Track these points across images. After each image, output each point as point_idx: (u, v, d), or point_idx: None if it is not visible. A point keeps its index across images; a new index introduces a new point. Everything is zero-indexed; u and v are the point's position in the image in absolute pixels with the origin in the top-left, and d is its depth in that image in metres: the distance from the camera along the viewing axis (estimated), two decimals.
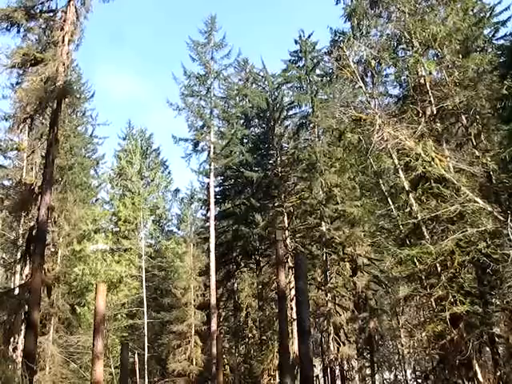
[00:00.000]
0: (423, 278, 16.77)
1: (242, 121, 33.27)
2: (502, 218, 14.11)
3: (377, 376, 30.59)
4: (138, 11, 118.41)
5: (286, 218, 29.20)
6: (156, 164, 42.04)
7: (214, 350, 25.02)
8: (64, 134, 25.61)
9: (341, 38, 20.04)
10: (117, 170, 40.63)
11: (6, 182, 25.45)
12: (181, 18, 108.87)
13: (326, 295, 26.83)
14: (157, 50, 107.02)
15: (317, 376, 33.72)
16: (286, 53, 32.31)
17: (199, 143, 31.90)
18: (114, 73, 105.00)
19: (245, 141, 32.45)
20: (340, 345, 25.70)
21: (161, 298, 35.86)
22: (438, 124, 18.06)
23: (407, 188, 17.56)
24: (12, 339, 15.42)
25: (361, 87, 18.92)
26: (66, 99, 15.68)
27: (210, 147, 31.50)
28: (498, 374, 16.18)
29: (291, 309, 23.62)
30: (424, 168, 15.86)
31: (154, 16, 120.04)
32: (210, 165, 31.36)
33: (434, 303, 16.42)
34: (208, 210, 32.51)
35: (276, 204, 29.84)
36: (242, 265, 32.55)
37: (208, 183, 32.35)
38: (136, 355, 33.05)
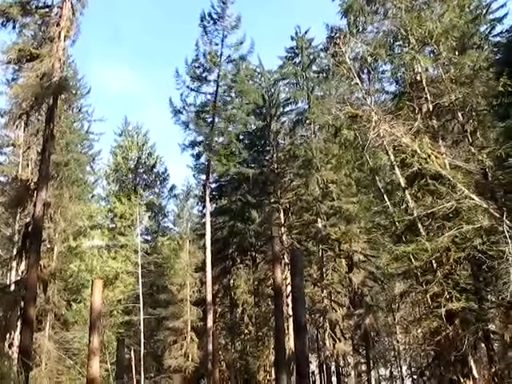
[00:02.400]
0: (419, 274, 16.80)
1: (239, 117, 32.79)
2: (497, 215, 14.14)
3: (372, 372, 30.66)
4: (132, 6, 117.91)
5: (282, 215, 29.21)
6: (152, 160, 42.05)
7: (210, 346, 24.99)
8: (60, 130, 25.58)
9: (337, 35, 19.99)
10: (113, 166, 40.65)
11: (2, 178, 25.46)
12: (176, 13, 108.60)
13: (322, 291, 26.91)
14: (151, 45, 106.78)
15: (313, 372, 33.85)
16: (282, 48, 32.11)
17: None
18: (108, 68, 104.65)
19: (241, 137, 32.31)
20: (336, 341, 25.79)
21: (157, 294, 35.86)
22: (434, 121, 18.05)
23: (403, 185, 17.59)
24: (8, 335, 15.40)
25: (357, 84, 18.87)
26: (62, 95, 15.70)
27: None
28: (493, 370, 16.24)
29: (287, 305, 23.68)
30: (420, 165, 15.88)
31: (148, 11, 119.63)
32: (206, 162, 31.15)
33: (429, 300, 16.47)
34: (204, 206, 32.41)
35: (272, 200, 29.83)
36: (238, 261, 32.53)
37: (204, 180, 32.20)
38: (132, 351, 33.06)
